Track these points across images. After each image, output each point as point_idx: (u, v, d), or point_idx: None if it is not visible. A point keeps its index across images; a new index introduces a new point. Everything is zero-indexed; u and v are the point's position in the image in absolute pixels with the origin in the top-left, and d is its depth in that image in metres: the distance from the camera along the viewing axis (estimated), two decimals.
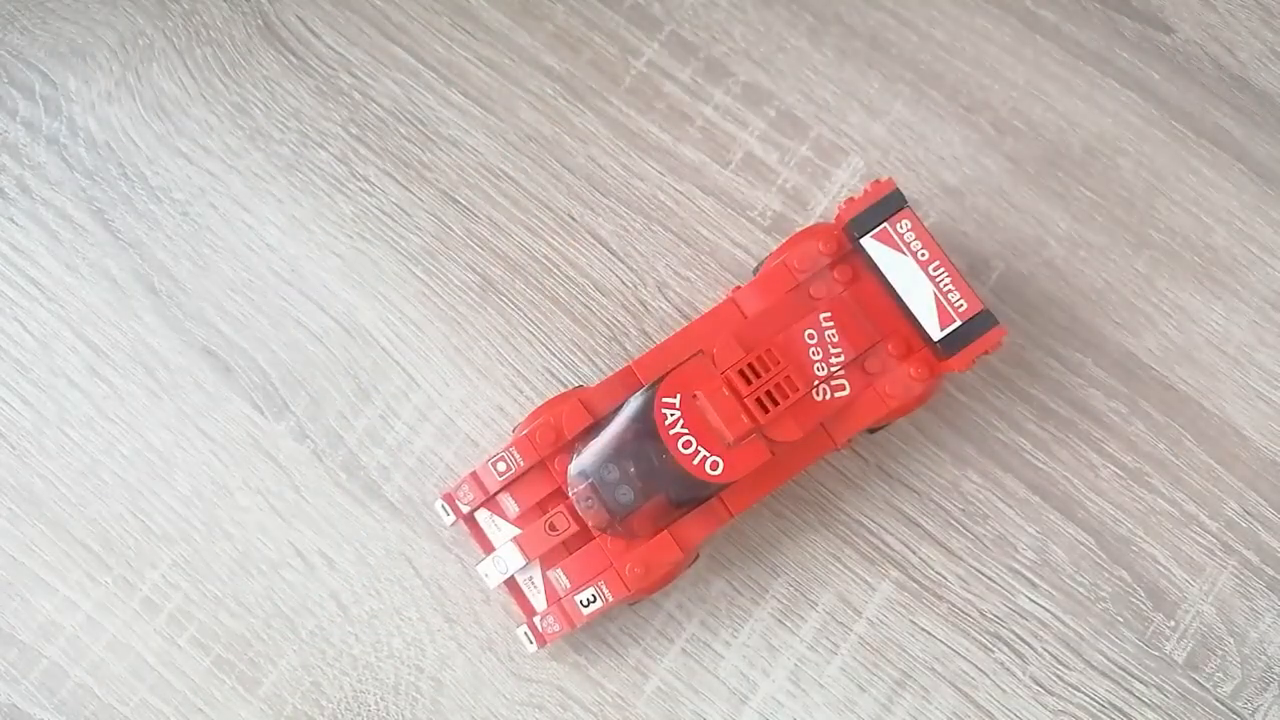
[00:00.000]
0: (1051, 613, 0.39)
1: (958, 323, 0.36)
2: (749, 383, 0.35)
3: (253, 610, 0.39)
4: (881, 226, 0.36)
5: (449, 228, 0.41)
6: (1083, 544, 0.39)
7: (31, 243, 0.41)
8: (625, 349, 0.41)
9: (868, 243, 0.36)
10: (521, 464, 0.36)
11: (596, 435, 0.36)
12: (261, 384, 0.40)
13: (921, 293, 0.36)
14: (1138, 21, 0.42)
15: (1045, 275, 0.41)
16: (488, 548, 0.37)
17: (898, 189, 0.36)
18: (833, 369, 0.36)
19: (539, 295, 0.41)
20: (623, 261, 0.41)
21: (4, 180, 0.42)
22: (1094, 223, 0.41)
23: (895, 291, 0.36)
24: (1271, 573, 0.39)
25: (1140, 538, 0.39)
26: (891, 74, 0.42)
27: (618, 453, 0.35)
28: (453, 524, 0.37)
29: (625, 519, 0.35)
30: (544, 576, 0.37)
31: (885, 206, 0.36)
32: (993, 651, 0.39)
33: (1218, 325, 0.41)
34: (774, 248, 0.40)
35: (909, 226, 0.36)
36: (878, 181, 0.37)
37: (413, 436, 0.40)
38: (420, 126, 0.42)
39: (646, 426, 0.35)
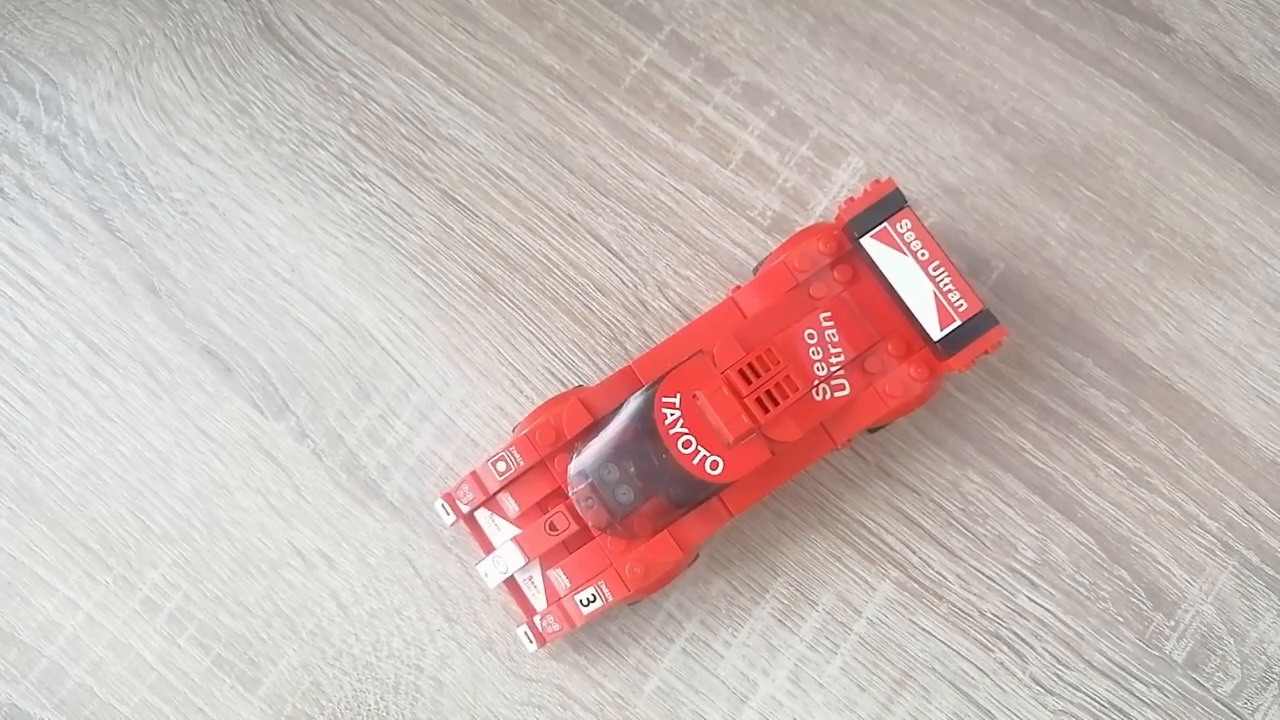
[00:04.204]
0: (1051, 613, 0.39)
1: (958, 322, 0.36)
2: (749, 382, 0.35)
3: (253, 610, 0.39)
4: (881, 226, 0.36)
5: (449, 227, 0.41)
6: (1083, 544, 0.39)
7: (31, 242, 0.41)
8: (625, 349, 0.41)
9: (868, 242, 0.36)
10: (521, 464, 0.36)
11: (596, 435, 0.36)
12: (261, 384, 0.40)
13: (921, 292, 0.36)
14: (1138, 21, 0.42)
15: (1045, 275, 0.41)
16: (488, 547, 0.37)
17: (898, 189, 0.36)
18: (833, 369, 0.36)
19: (539, 295, 0.41)
20: (623, 261, 0.41)
21: (4, 180, 0.42)
22: (1094, 223, 0.41)
23: (895, 291, 0.36)
24: (1271, 573, 0.39)
25: (1140, 538, 0.39)
26: (891, 74, 0.42)
27: (618, 452, 0.35)
28: (453, 524, 0.37)
29: (625, 519, 0.35)
30: (544, 576, 0.37)
31: (885, 206, 0.36)
32: (993, 651, 0.39)
33: (1218, 325, 0.41)
34: (774, 247, 0.40)
35: (909, 226, 0.36)
36: (878, 181, 0.37)
37: (413, 436, 0.40)
38: (420, 126, 0.42)
39: (646, 426, 0.35)
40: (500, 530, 0.37)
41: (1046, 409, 0.40)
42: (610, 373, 0.37)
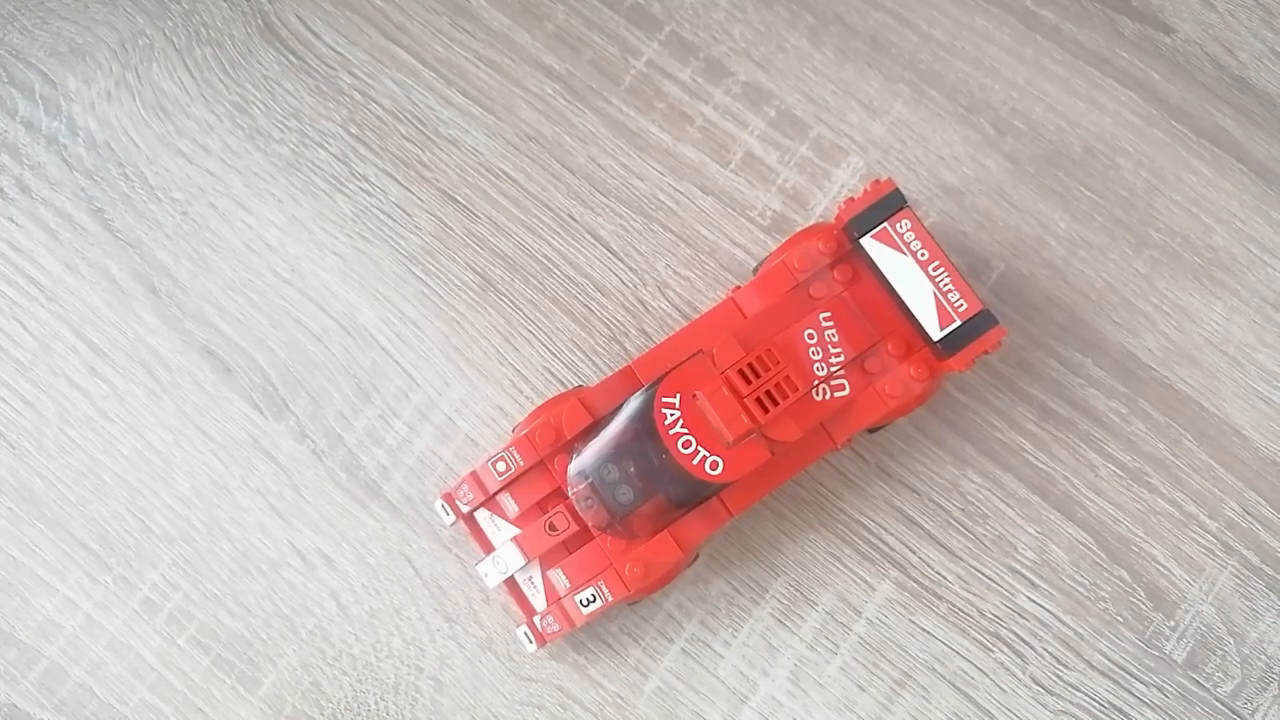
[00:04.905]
0: (1051, 613, 0.39)
1: (958, 322, 0.36)
2: (749, 382, 0.35)
3: (253, 610, 0.39)
4: (881, 226, 0.36)
5: (449, 228, 0.41)
6: (1083, 544, 0.39)
7: (31, 242, 0.41)
8: (625, 349, 0.41)
9: (867, 242, 0.36)
10: (521, 464, 0.36)
11: (596, 435, 0.36)
12: (261, 384, 0.40)
13: (921, 293, 0.36)
14: (1138, 21, 0.42)
15: (1045, 275, 0.41)
16: (487, 548, 0.37)
17: (898, 189, 0.36)
18: (832, 369, 0.36)
19: (539, 295, 0.41)
20: (623, 261, 0.41)
21: (4, 180, 0.42)
22: (1094, 223, 0.41)
23: (895, 291, 0.36)
24: (1271, 573, 0.39)
25: (1140, 538, 0.39)
26: (891, 74, 0.42)
27: (617, 452, 0.35)
28: (453, 524, 0.37)
29: (625, 519, 0.35)
30: (544, 576, 0.37)
31: (885, 206, 0.36)
32: (993, 651, 0.39)
33: (1218, 325, 0.41)
34: (774, 247, 0.40)
35: (909, 226, 0.36)
36: (877, 181, 0.37)
37: (413, 436, 0.40)
38: (420, 126, 0.42)
39: (646, 426, 0.35)
40: (500, 530, 0.37)
41: (1046, 409, 0.40)
42: (610, 373, 0.37)
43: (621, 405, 0.36)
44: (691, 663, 0.39)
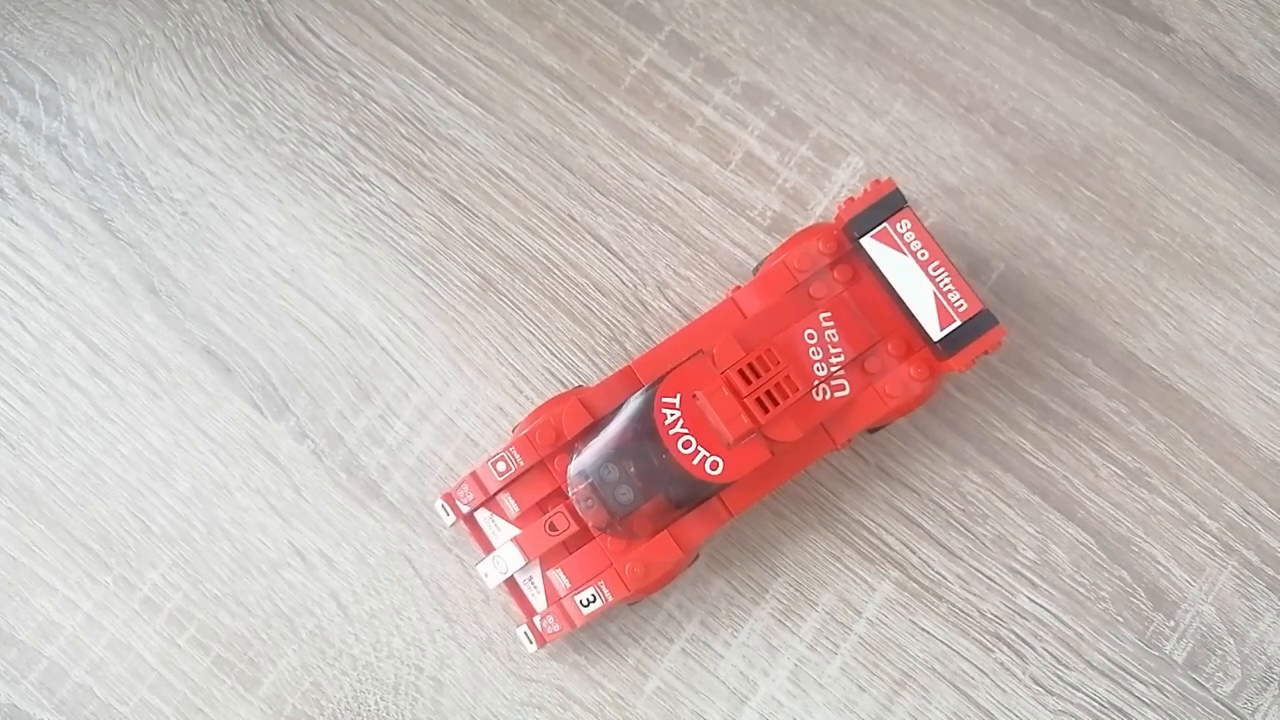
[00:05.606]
0: (1051, 613, 0.39)
1: (958, 322, 0.36)
2: (749, 383, 0.35)
3: (253, 610, 0.39)
4: (881, 226, 0.36)
5: (449, 228, 0.41)
6: (1083, 544, 0.39)
7: (31, 243, 0.41)
8: (625, 349, 0.41)
9: (867, 242, 0.36)
10: (521, 464, 0.36)
11: (596, 435, 0.36)
12: (261, 384, 0.40)
13: (921, 293, 0.36)
14: (1138, 21, 0.42)
15: (1045, 275, 0.41)
16: (488, 548, 0.37)
17: (898, 189, 0.36)
18: (833, 369, 0.36)
19: (539, 295, 0.41)
20: (623, 261, 0.41)
21: (4, 180, 0.42)
22: (1094, 223, 0.41)
23: (895, 291, 0.36)
24: (1271, 573, 0.39)
25: (1140, 538, 0.39)
26: (891, 74, 0.42)
27: (617, 453, 0.35)
28: (453, 524, 0.37)
29: (625, 519, 0.35)
30: (544, 576, 0.37)
31: (885, 206, 0.36)
32: (993, 651, 0.39)
33: (1218, 325, 0.41)
34: (774, 248, 0.40)
35: (909, 226, 0.36)
36: (877, 181, 0.37)
37: (413, 436, 0.40)
38: (420, 126, 0.42)
39: (646, 426, 0.35)
40: (500, 530, 0.37)
41: (1046, 409, 0.40)
42: (610, 373, 0.37)
43: (621, 405, 0.36)
44: (692, 663, 0.39)
